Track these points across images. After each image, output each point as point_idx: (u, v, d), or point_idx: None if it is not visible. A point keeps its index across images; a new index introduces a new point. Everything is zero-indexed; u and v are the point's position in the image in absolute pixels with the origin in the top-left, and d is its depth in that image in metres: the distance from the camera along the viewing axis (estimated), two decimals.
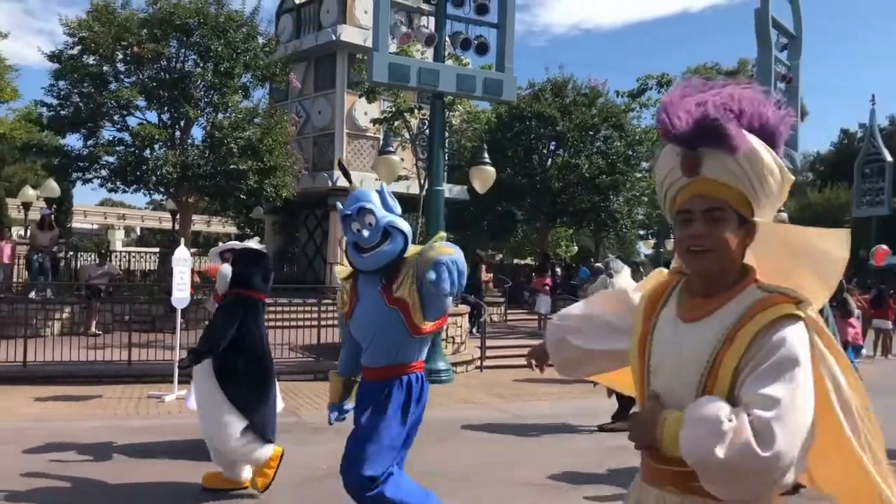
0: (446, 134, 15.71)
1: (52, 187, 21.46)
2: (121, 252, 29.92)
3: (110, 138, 17.52)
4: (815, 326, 1.75)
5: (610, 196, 25.04)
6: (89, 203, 53.26)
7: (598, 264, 9.51)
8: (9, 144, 16.84)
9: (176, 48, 17.33)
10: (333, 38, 21.36)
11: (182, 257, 10.09)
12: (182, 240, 12.16)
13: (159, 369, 10.87)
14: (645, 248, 43.40)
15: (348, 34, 21.38)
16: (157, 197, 23.16)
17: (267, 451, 5.41)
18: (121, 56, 17.12)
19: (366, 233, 3.70)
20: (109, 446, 7.02)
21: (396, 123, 17.49)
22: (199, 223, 33.56)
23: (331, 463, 4.88)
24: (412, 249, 3.84)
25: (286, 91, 22.60)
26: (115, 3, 17.29)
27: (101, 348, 12.20)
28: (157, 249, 29.90)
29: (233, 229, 39.08)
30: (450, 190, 19.75)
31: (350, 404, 4.19)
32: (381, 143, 15.11)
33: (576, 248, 40.46)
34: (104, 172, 17.28)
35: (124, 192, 17.91)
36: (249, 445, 5.33)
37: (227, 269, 5.61)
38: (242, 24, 17.76)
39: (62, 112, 17.11)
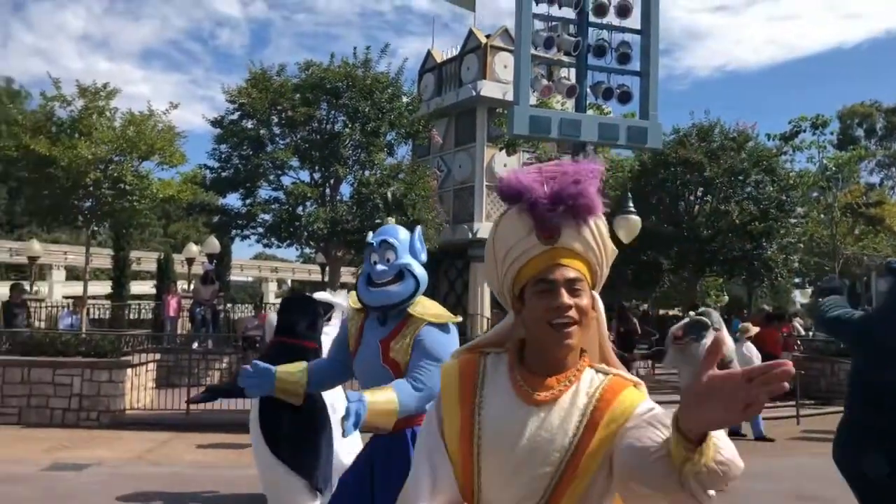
0: None
1: (214, 244, 22.92)
2: (274, 304, 31.39)
3: (266, 197, 18.57)
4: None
5: (763, 243, 23.83)
6: (244, 257, 56.52)
7: (689, 320, 8.01)
8: (176, 205, 18.14)
9: (326, 110, 18.25)
10: (474, 93, 21.82)
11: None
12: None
13: None
14: (801, 298, 40.92)
15: (488, 89, 21.78)
16: (307, 251, 24.14)
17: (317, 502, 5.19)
18: (276, 120, 18.21)
19: (380, 267, 3.50)
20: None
21: None
22: (346, 275, 34.76)
23: None
24: (423, 305, 3.56)
25: (428, 146, 23.23)
26: (271, 70, 18.48)
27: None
28: None
29: None
30: None
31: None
32: None
33: (726, 298, 38.69)
34: (260, 229, 18.31)
35: (278, 247, 18.88)
36: (299, 497, 5.12)
37: (273, 317, 5.50)
38: (388, 84, 18.47)
39: (223, 174, 18.35)
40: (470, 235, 22.34)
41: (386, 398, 3.00)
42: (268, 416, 5.19)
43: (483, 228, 22.29)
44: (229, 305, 22.27)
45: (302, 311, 5.42)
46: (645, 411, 1.60)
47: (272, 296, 50.42)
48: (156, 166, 16.53)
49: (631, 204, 14.28)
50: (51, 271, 40.69)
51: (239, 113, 18.14)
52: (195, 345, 15.80)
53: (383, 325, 3.47)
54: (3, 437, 10.21)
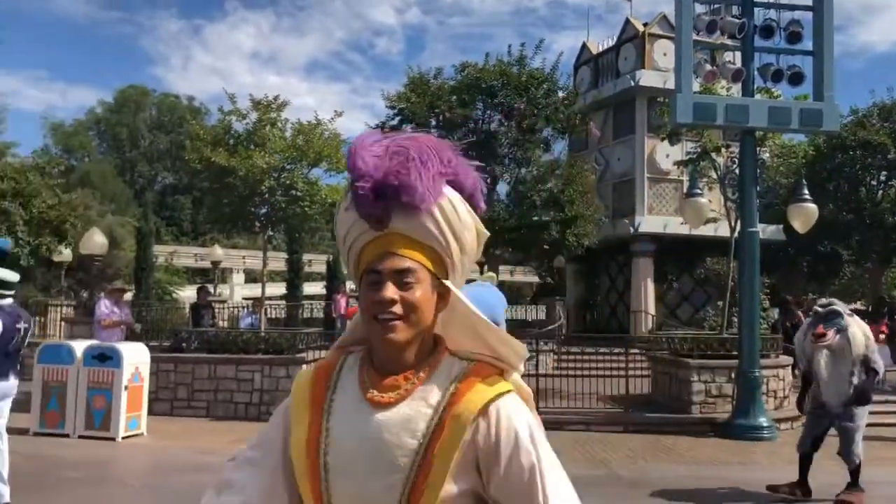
0: (758, 171, 14.75)
1: None
2: None
3: None
4: (521, 392, 1.55)
5: None
6: None
7: (818, 306, 7.15)
8: None
9: (482, 110, 18.45)
10: (632, 83, 21.28)
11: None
12: None
13: None
14: None
15: (648, 78, 21.17)
16: None
17: None
18: (434, 122, 18.60)
19: None
20: None
21: (702, 164, 16.84)
22: (503, 273, 34.97)
23: None
24: None
25: (586, 141, 22.89)
26: (429, 74, 18.89)
27: None
28: None
29: (534, 279, 40.12)
30: (763, 230, 18.45)
31: None
32: (688, 185, 14.59)
33: None
34: None
35: None
36: None
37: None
38: (543, 80, 18.39)
39: None
40: (631, 230, 21.79)
41: None
42: None
43: (645, 222, 21.68)
44: None
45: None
46: (494, 437, 1.44)
47: None
48: (324, 172, 17.34)
49: (806, 191, 13.36)
50: (231, 274, 43.69)
51: (399, 118, 18.68)
52: None
53: None
54: (194, 428, 11.04)
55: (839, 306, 7.00)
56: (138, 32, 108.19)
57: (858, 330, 6.71)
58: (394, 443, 1.43)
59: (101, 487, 6.86)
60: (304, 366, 12.43)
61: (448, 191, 1.50)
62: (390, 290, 1.46)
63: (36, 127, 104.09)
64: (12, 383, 6.53)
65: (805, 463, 7.10)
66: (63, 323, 17.43)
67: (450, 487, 1.41)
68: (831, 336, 6.61)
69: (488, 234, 1.62)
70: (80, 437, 9.52)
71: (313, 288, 38.61)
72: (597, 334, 20.29)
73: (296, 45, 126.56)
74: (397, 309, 1.45)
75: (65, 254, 20.28)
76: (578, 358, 15.93)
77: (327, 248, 53.51)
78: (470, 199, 1.56)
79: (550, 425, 8.01)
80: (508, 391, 1.49)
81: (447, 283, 1.53)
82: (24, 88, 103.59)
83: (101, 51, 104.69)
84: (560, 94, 19.14)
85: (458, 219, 1.51)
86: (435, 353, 1.53)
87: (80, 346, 9.93)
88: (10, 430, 9.91)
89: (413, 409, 1.45)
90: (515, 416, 1.46)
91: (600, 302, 24.84)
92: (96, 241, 15.69)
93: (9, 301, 6.50)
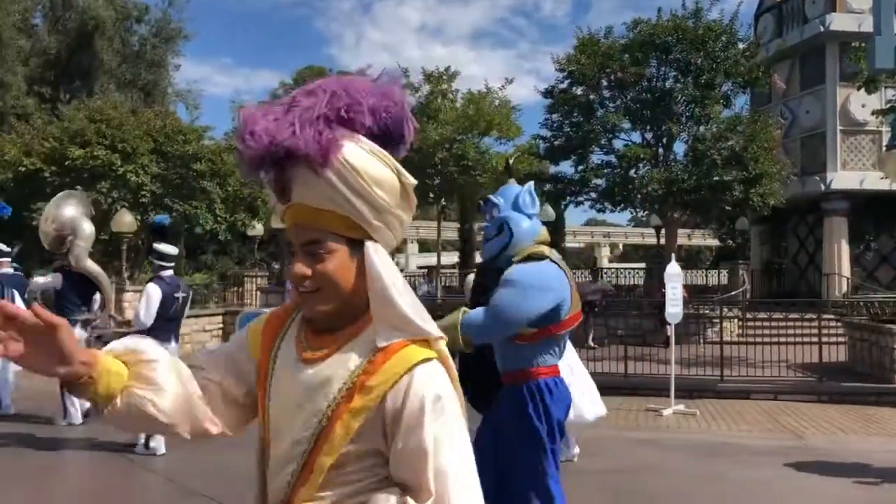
0: None
1: (548, 212, 23.55)
2: (608, 268, 31.55)
3: (599, 162, 18.64)
4: (447, 364, 1.43)
5: None
6: (576, 224, 57.46)
7: None
8: (514, 177, 18.97)
9: (656, 68, 17.77)
10: (822, 28, 19.70)
11: (674, 273, 10.15)
12: (672, 256, 12.25)
13: (655, 383, 11.06)
14: None
15: (839, 22, 19.51)
16: (640, 214, 23.79)
17: None
18: (605, 83, 18.14)
19: (487, 224, 3.67)
20: (619, 455, 7.33)
21: None
22: (680, 237, 33.72)
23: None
24: (522, 253, 3.44)
25: (769, 94, 21.49)
26: (599, 34, 18.40)
27: (599, 360, 12.89)
28: (641, 265, 30.82)
29: (714, 242, 38.39)
30: None
31: None
32: (888, 136, 13.34)
33: None
34: (593, 194, 18.45)
35: (612, 211, 18.88)
36: None
37: (471, 279, 5.35)
38: (721, 32, 17.41)
39: (556, 142, 18.76)
40: (822, 187, 20.30)
41: (452, 317, 3.21)
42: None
43: (838, 178, 20.11)
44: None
45: (495, 276, 5.54)
46: (402, 404, 1.35)
47: (605, 260, 50.67)
48: (494, 141, 17.46)
49: None
50: (406, 245, 45.17)
51: (568, 81, 18.38)
52: None
53: None
54: None
55: None
56: (313, 14, 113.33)
57: None
58: (309, 401, 1.42)
59: None
60: None
61: (349, 148, 1.38)
62: (302, 264, 1.43)
63: (225, 111, 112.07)
64: (173, 347, 7.20)
65: None
66: (258, 292, 18.76)
67: (352, 447, 1.38)
68: None
69: (414, 181, 1.47)
70: None
71: None
72: (785, 299, 19.14)
73: (461, 15, 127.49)
74: (310, 283, 1.42)
75: (257, 228, 21.79)
76: (766, 324, 15.15)
77: None
78: (391, 137, 1.46)
79: (735, 394, 7.80)
80: (427, 359, 1.41)
81: (369, 244, 1.44)
82: (213, 75, 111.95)
83: (279, 35, 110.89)
84: (740, 45, 18.03)
85: (361, 177, 1.39)
86: (364, 317, 1.46)
87: None
88: None
89: (332, 371, 1.42)
90: (426, 387, 1.37)
91: (788, 265, 23.38)
92: None
93: (169, 272, 7.18)
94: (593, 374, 11.84)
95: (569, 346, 7.02)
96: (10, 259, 9.15)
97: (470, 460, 1.38)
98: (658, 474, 6.59)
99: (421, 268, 30.78)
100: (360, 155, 1.39)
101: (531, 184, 3.76)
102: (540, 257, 3.42)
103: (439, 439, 1.33)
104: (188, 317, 16.87)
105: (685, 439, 8.12)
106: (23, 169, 17.14)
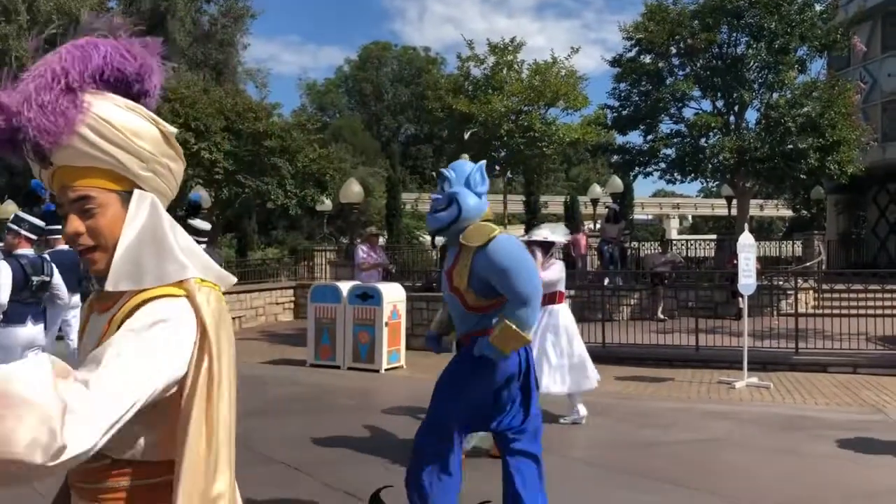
0: None
1: (617, 183, 23.26)
2: (677, 240, 31.00)
3: (668, 131, 18.28)
4: (195, 303, 1.45)
5: None
6: (644, 195, 56.55)
7: None
8: (578, 148, 18.77)
9: (727, 33, 17.27)
10: None
11: (747, 243, 9.94)
12: (746, 226, 11.99)
13: (727, 355, 10.89)
14: None
15: None
16: (711, 184, 23.28)
17: None
18: (674, 51, 17.73)
19: (436, 196, 3.87)
20: (691, 427, 7.28)
21: None
22: (752, 208, 32.88)
23: None
24: (471, 232, 3.67)
25: (848, 57, 20.68)
26: (667, 0, 17.95)
27: (669, 333, 12.75)
28: (712, 236, 30.17)
29: (787, 212, 37.28)
30: None
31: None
32: None
33: None
34: (662, 164, 18.12)
35: (681, 182, 18.52)
36: None
37: None
38: None
39: (623, 112, 18.45)
40: None
41: (505, 329, 3.50)
42: None
43: None
44: (635, 244, 22.54)
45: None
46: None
47: (674, 232, 49.77)
48: (561, 112, 17.31)
49: None
50: None
51: (636, 49, 18.02)
52: (606, 281, 16.31)
53: (451, 255, 3.76)
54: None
55: None
56: None
57: None
58: (88, 348, 1.49)
59: (369, 413, 7.55)
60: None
61: (100, 105, 1.42)
62: (74, 223, 1.46)
63: (293, 88, 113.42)
64: None
65: None
66: (328, 266, 19.14)
67: None
68: None
69: (174, 130, 1.54)
70: (349, 368, 10.49)
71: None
72: (865, 269, 18.51)
73: None
74: (85, 240, 1.47)
75: (326, 203, 22.14)
76: (843, 296, 14.70)
77: (562, 189, 53.53)
78: (133, 89, 1.51)
79: (811, 367, 7.64)
80: (165, 296, 1.44)
81: (136, 192, 1.49)
82: (281, 53, 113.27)
83: (344, 11, 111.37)
84: (817, 7, 17.35)
85: (118, 130, 1.44)
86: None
87: (345, 287, 10.86)
88: (291, 362, 11.21)
89: (105, 320, 1.49)
90: (147, 314, 1.40)
91: (867, 235, 22.57)
92: (354, 190, 16.92)
93: (202, 247, 7.36)
94: (663, 347, 11.83)
95: (571, 319, 7.14)
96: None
97: (148, 375, 1.33)
98: (730, 447, 6.53)
99: None
100: (113, 110, 1.45)
101: (483, 163, 3.99)
102: (495, 239, 3.63)
103: (128, 343, 1.33)
104: (261, 290, 17.42)
105: (758, 412, 8.00)
106: None
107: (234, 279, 1.73)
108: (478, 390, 3.73)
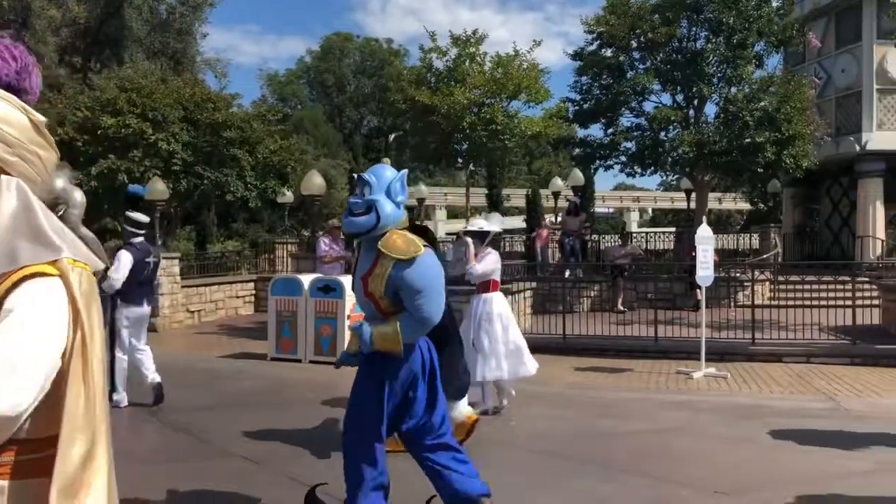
0: None
1: (577, 176, 23.40)
2: (637, 233, 31.34)
3: (628, 124, 18.45)
4: (67, 282, 1.52)
5: None
6: (605, 188, 57.09)
7: None
8: (540, 141, 18.84)
9: (687, 28, 17.46)
10: None
11: (705, 236, 10.09)
12: (704, 219, 12.16)
13: (686, 346, 11.05)
14: None
15: None
16: (668, 178, 23.58)
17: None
18: (635, 45, 17.87)
19: (353, 200, 3.93)
20: (649, 417, 7.37)
21: None
22: (711, 201, 33.43)
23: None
24: (392, 241, 3.73)
25: (803, 53, 21.05)
26: None
27: (628, 324, 12.91)
28: (671, 229, 30.56)
29: (745, 205, 37.91)
30: None
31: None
32: None
33: None
34: (623, 158, 18.28)
35: (641, 175, 18.73)
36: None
37: None
38: None
39: (585, 105, 18.57)
40: (857, 148, 19.92)
41: (392, 326, 3.67)
42: None
43: (874, 139, 19.71)
44: (595, 236, 22.74)
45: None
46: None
47: (635, 225, 50.31)
48: (523, 105, 17.34)
49: None
50: (434, 211, 45.21)
51: (598, 43, 18.13)
52: (567, 273, 16.44)
53: (366, 259, 3.84)
54: None
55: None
56: None
57: None
58: None
59: (330, 407, 7.49)
60: (509, 297, 12.73)
61: None
62: None
63: (253, 78, 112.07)
64: (146, 310, 7.78)
65: None
66: (289, 259, 18.98)
67: None
68: None
69: (43, 119, 1.62)
70: (311, 361, 10.41)
71: (513, 222, 39.00)
72: (818, 261, 18.91)
73: None
74: None
75: (287, 195, 21.93)
76: (798, 287, 15.00)
77: (525, 182, 53.72)
78: (24, 93, 1.61)
79: (766, 357, 7.79)
80: (37, 274, 1.50)
81: (3, 178, 1.54)
82: (240, 43, 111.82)
83: (305, 1, 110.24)
84: (773, 3, 17.62)
85: None
86: None
87: (306, 280, 10.78)
88: (251, 356, 11.11)
89: None
90: (24, 296, 1.47)
91: (821, 228, 23.06)
92: (315, 182, 16.78)
93: (140, 239, 7.59)
94: (623, 338, 11.97)
95: (508, 309, 7.21)
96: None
97: (44, 348, 1.44)
98: (687, 436, 6.63)
99: (450, 234, 30.83)
100: None
101: (405, 172, 4.07)
102: (413, 261, 3.69)
103: (15, 322, 1.43)
104: (221, 283, 17.21)
105: (715, 402, 8.14)
106: (56, 139, 17.35)
107: (103, 264, 1.76)
108: (384, 388, 3.81)
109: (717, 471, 5.51)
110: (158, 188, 16.28)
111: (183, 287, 15.74)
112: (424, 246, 3.75)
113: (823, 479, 5.25)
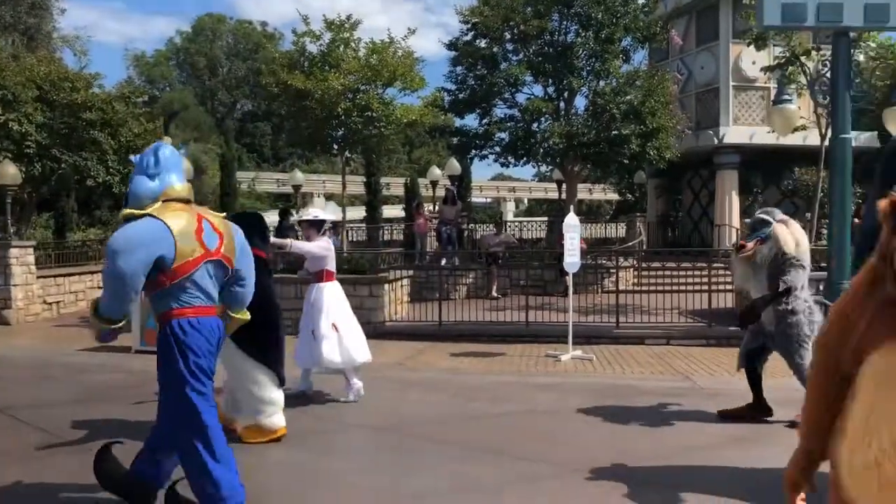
0: (852, 74, 13.92)
1: (454, 165, 23.67)
2: (512, 222, 32.06)
3: (502, 115, 18.78)
4: None
5: None
6: (483, 178, 57.95)
7: (760, 215, 6.50)
8: (418, 129, 18.90)
9: (558, 21, 17.91)
10: None
11: (572, 224, 10.41)
12: (571, 207, 12.56)
13: (555, 330, 11.41)
14: None
15: None
16: (543, 169, 24.20)
17: (279, 394, 5.86)
18: (508, 36, 18.19)
19: None
20: (518, 399, 7.55)
21: (791, 69, 16.00)
22: (582, 191, 34.69)
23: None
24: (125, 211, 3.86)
25: (667, 50, 22.04)
26: None
27: (502, 310, 13.19)
28: (545, 219, 31.45)
29: (614, 196, 39.46)
30: (856, 138, 17.55)
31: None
32: (775, 92, 13.94)
33: None
34: (497, 148, 18.61)
35: (515, 165, 19.14)
36: (268, 389, 5.77)
37: None
38: None
39: (460, 95, 18.76)
40: (715, 141, 21.08)
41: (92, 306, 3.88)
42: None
43: (730, 133, 20.92)
44: (472, 225, 23.09)
45: (253, 226, 5.85)
46: None
47: (511, 215, 51.38)
48: (398, 92, 17.31)
49: None
50: (312, 199, 44.54)
51: (472, 33, 18.35)
52: (443, 262, 16.61)
53: None
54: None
55: (770, 215, 6.38)
56: None
57: (788, 236, 6.07)
58: None
59: None
60: (387, 285, 12.75)
61: None
62: None
63: (118, 59, 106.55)
64: None
65: (753, 380, 6.50)
66: None
67: None
68: (751, 247, 6.11)
69: None
70: None
71: (393, 211, 39.03)
72: (678, 249, 19.94)
73: None
74: None
75: None
76: (660, 273, 15.77)
77: (405, 171, 53.80)
78: None
79: (630, 339, 8.13)
80: None
81: None
82: (103, 21, 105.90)
83: None
84: (639, 0, 18.38)
85: None
86: None
87: None
88: (115, 349, 10.58)
89: None
90: None
91: (683, 217, 24.31)
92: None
93: None
94: (496, 324, 12.22)
95: (341, 295, 7.39)
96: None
97: None
98: (554, 416, 6.83)
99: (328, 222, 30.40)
100: None
101: (158, 143, 4.09)
102: (136, 217, 3.77)
103: None
104: (82, 273, 16.31)
105: (581, 383, 8.43)
106: None
107: None
108: (181, 365, 3.83)
109: (579, 449, 5.71)
110: (9, 172, 15.22)
111: (39, 278, 14.82)
112: (152, 216, 3.75)
113: (676, 453, 5.54)
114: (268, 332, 5.87)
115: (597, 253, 17.88)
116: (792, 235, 6.12)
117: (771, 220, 6.24)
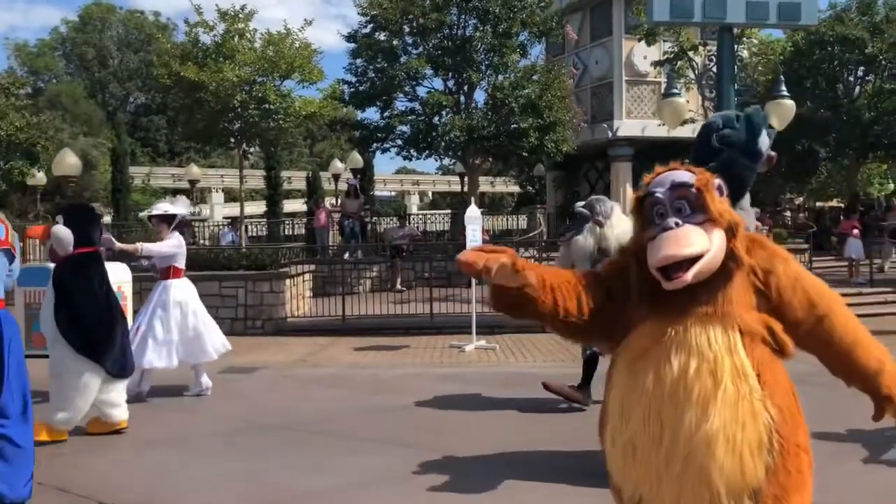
0: (736, 69, 14.60)
1: (357, 158, 23.50)
2: (417, 215, 32.13)
3: (403, 108, 18.75)
4: None
5: None
6: (387, 172, 57.87)
7: (580, 207, 6.29)
8: (318, 122, 18.63)
9: (457, 15, 18.00)
10: None
11: (473, 216, 10.52)
12: (473, 200, 12.68)
13: (458, 321, 11.51)
14: None
15: None
16: (445, 162, 24.36)
17: (119, 386, 5.82)
18: (408, 29, 18.16)
19: None
20: (422, 391, 7.58)
21: (679, 64, 16.67)
22: (484, 184, 35.08)
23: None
24: None
25: (563, 45, 22.52)
26: None
27: (406, 303, 13.20)
28: (448, 211, 31.65)
29: (515, 188, 40.10)
30: None
31: None
32: (665, 86, 14.47)
33: (892, 185, 35.84)
34: (399, 141, 18.59)
35: (416, 158, 19.14)
36: (106, 386, 5.69)
37: (61, 229, 5.61)
38: None
39: (360, 88, 18.62)
40: (610, 134, 21.71)
41: None
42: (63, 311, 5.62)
43: (624, 126, 21.57)
44: (375, 219, 23.01)
45: (90, 220, 5.87)
46: None
47: (415, 208, 51.45)
48: (296, 84, 17.02)
49: (783, 88, 13.28)
50: (210, 194, 43.30)
51: (372, 25, 18.23)
52: (346, 255, 16.47)
53: None
54: None
55: (598, 204, 6.10)
56: None
57: (608, 231, 5.89)
58: None
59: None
60: (288, 280, 12.54)
61: None
62: None
63: None
64: None
65: (590, 366, 6.46)
66: (42, 247, 17.29)
67: None
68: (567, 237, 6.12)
69: None
70: None
71: (294, 205, 38.42)
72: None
73: None
74: None
75: (38, 177, 19.97)
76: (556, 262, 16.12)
77: (306, 164, 53.03)
78: None
79: (533, 328, 8.19)
80: None
81: None
82: None
83: None
84: None
85: None
86: None
87: None
88: None
89: None
90: None
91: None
92: (69, 162, 15.41)
93: None
94: (401, 316, 12.23)
95: (192, 292, 7.35)
96: None
97: None
98: (458, 406, 6.90)
99: (227, 218, 29.71)
100: None
101: None
102: None
103: None
104: None
105: (484, 372, 8.55)
106: None
107: None
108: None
109: (480, 437, 5.78)
110: None
111: None
112: None
113: (577, 438, 5.68)
114: (98, 327, 5.67)
115: (498, 244, 18.11)
116: (612, 232, 5.84)
117: (591, 217, 5.96)
